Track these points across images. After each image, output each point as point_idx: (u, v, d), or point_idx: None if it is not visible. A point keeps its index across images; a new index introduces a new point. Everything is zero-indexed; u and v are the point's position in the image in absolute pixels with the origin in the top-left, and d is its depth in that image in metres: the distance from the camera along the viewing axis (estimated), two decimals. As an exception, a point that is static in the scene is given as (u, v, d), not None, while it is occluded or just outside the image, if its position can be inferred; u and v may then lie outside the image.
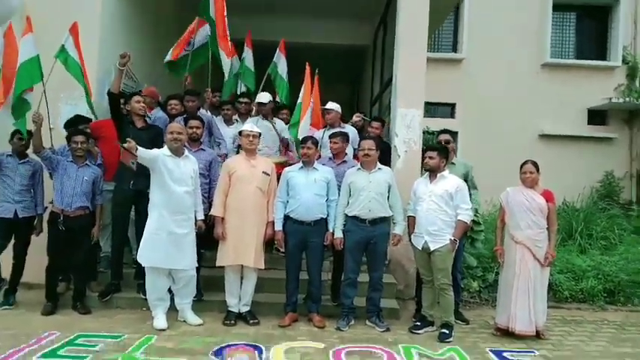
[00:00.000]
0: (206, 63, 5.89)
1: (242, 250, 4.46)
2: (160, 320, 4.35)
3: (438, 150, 4.54)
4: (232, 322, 4.50)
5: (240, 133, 4.74)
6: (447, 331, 4.35)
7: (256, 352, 3.84)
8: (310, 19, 8.58)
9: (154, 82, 6.37)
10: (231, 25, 5.82)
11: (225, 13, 5.71)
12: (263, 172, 4.60)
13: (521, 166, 4.58)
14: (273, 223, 4.61)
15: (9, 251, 4.81)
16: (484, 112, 9.26)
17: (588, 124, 9.95)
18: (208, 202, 4.74)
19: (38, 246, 4.80)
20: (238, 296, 4.60)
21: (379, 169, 4.64)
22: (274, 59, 6.59)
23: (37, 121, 4.55)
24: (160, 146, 4.51)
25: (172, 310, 4.54)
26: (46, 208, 4.90)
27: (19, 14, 5.14)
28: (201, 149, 4.92)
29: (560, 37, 10.54)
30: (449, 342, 4.26)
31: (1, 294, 4.82)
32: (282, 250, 4.85)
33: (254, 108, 5.69)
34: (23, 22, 4.83)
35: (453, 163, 4.86)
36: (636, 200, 9.57)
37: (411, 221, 4.64)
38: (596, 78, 9.95)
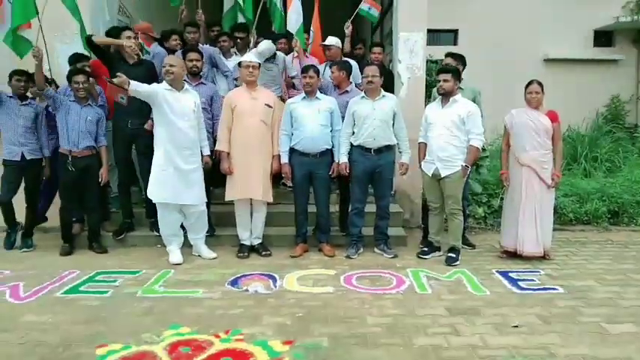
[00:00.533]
0: None
1: (249, 183, 4.49)
2: (175, 255, 4.47)
3: (452, 72, 4.39)
4: (245, 254, 4.61)
5: (239, 64, 4.64)
6: (454, 255, 4.45)
7: (270, 280, 3.97)
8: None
9: (149, 18, 6.18)
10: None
11: None
12: (265, 104, 4.54)
13: (527, 86, 4.49)
14: (279, 156, 4.61)
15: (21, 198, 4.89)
16: (487, 37, 8.99)
17: (594, 46, 9.68)
18: (213, 137, 4.73)
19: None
20: (249, 230, 4.70)
21: (383, 96, 4.56)
22: None
23: (38, 56, 4.42)
24: (154, 81, 4.43)
25: (186, 247, 4.66)
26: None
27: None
28: (202, 83, 4.85)
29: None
30: (456, 265, 4.37)
31: (19, 237, 4.94)
32: (289, 183, 4.90)
33: (252, 40, 5.53)
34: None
35: (461, 88, 4.73)
36: (642, 123, 9.48)
37: (421, 148, 4.60)
38: (603, -5, 9.56)
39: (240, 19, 6.16)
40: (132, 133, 4.78)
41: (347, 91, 4.86)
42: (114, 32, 4.95)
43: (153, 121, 4.43)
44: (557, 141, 4.47)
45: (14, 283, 3.90)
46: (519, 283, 3.94)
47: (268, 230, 4.87)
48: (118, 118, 4.83)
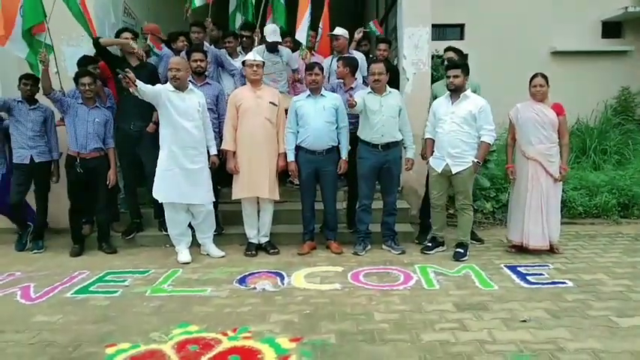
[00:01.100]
0: None
1: (256, 182, 4.51)
2: (184, 254, 4.50)
3: (461, 67, 4.34)
4: (253, 252, 4.63)
5: (243, 63, 4.65)
6: (462, 251, 4.43)
7: (278, 278, 3.98)
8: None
9: (155, 19, 6.20)
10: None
11: None
12: (270, 102, 4.55)
13: (531, 80, 4.45)
14: (285, 154, 4.62)
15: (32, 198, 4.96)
16: (493, 31, 8.92)
17: (602, 37, 9.57)
18: (219, 137, 4.74)
19: (60, 193, 4.93)
20: (257, 228, 4.71)
21: (389, 92, 4.56)
22: None
23: (44, 60, 4.48)
24: (156, 84, 4.47)
25: (195, 246, 4.69)
26: (62, 153, 4.95)
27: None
28: (207, 83, 4.87)
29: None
30: (464, 261, 4.36)
31: (30, 239, 5.00)
32: (296, 181, 4.91)
33: (256, 39, 5.54)
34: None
35: None
36: (652, 115, 9.36)
37: (428, 143, 4.58)
38: (611, -15, 9.44)
39: (240, 19, 6.19)
40: (135, 135, 4.83)
41: (352, 88, 4.85)
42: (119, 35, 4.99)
43: (155, 123, 4.49)
44: (563, 134, 4.43)
45: (25, 284, 3.95)
46: (528, 277, 3.92)
47: (275, 228, 4.89)
48: (122, 120, 4.87)
